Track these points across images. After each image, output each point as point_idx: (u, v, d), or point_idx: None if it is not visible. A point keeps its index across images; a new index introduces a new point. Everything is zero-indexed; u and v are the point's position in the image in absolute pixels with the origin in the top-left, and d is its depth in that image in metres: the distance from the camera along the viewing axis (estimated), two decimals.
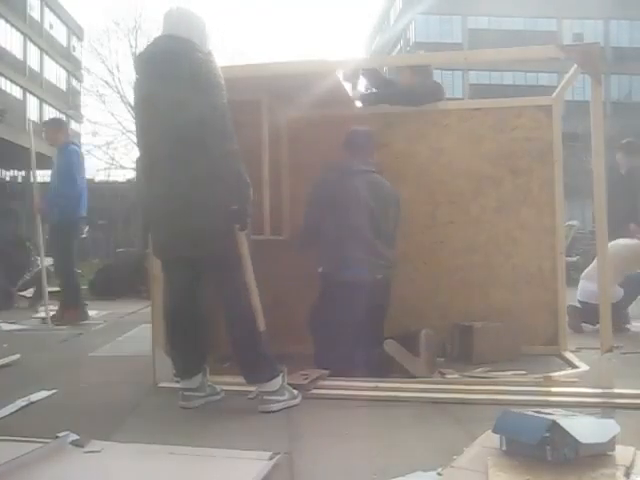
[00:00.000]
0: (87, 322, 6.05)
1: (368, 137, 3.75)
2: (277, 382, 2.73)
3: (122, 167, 25.02)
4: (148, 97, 2.77)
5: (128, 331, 5.33)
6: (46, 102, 32.15)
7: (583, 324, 4.94)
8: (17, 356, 4.02)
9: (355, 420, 2.60)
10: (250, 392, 2.88)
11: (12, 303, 7.83)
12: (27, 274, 8.56)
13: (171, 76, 2.67)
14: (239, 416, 2.69)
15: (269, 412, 2.68)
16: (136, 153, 3.82)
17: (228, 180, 2.63)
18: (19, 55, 29.66)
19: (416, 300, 3.91)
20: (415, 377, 3.17)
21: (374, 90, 4.45)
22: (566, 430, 1.76)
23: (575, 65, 3.26)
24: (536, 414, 1.91)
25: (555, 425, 1.78)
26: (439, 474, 1.85)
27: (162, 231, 2.82)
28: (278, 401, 2.72)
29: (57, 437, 2.22)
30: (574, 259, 9.43)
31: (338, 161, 3.67)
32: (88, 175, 7.97)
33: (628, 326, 4.97)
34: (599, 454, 1.82)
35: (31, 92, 30.30)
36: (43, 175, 10.73)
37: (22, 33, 29.48)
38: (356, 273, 3.39)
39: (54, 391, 3.14)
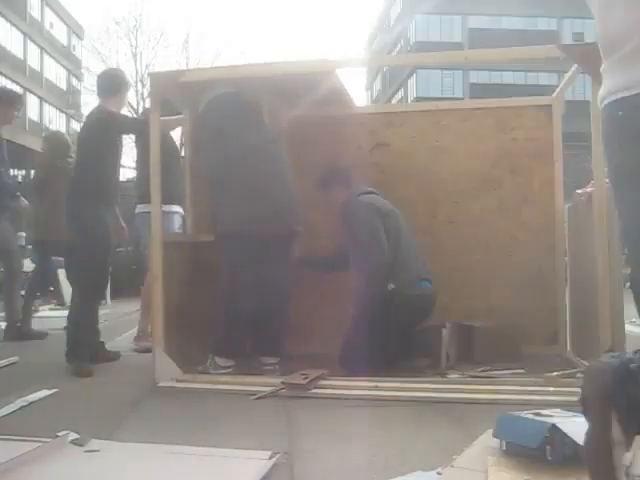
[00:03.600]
0: None
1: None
2: None
3: (122, 166, 25.04)
4: None
5: (128, 331, 5.33)
6: (46, 101, 32.15)
7: None
8: (16, 358, 4.03)
9: (355, 420, 2.60)
10: (254, 393, 2.91)
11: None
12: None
13: None
14: (239, 416, 2.69)
15: None
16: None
17: None
18: (19, 54, 29.64)
19: None
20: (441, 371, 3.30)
21: None
22: (566, 433, 1.76)
23: (575, 65, 3.26)
24: (535, 417, 1.90)
25: (555, 428, 1.78)
26: (439, 474, 1.85)
27: None
28: None
29: (57, 436, 2.22)
30: None
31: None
32: None
33: None
34: None
35: (31, 91, 30.29)
36: None
37: (22, 32, 29.46)
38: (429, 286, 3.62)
39: (54, 391, 3.14)
